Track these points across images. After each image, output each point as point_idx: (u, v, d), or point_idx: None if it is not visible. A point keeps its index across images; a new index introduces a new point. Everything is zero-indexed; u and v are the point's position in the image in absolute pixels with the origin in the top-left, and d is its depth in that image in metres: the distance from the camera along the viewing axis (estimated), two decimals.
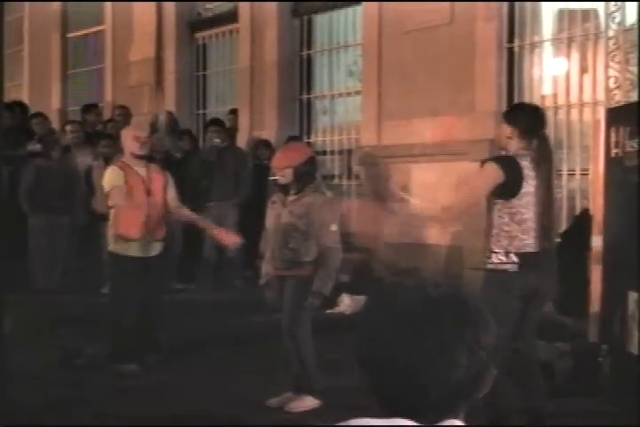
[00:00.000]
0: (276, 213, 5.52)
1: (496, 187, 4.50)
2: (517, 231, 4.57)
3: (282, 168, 5.49)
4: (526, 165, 4.57)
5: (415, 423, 1.37)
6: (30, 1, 14.81)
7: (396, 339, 1.40)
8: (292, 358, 5.47)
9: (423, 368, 1.38)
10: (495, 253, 4.58)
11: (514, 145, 4.63)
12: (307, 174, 5.49)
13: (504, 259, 4.55)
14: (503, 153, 4.73)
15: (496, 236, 4.59)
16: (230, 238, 6.67)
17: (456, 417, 1.42)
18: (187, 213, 6.87)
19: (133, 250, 6.46)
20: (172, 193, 6.64)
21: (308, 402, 5.45)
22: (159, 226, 6.55)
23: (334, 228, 5.42)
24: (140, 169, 6.58)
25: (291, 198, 5.50)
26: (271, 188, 9.46)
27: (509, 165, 4.51)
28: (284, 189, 5.53)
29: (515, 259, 4.55)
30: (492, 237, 4.59)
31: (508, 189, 4.52)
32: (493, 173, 4.51)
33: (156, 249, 6.55)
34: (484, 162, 4.65)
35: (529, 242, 4.60)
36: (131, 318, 6.47)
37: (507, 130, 4.66)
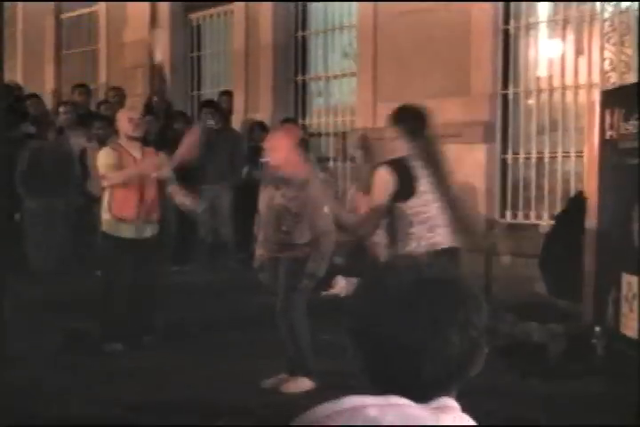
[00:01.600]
0: (269, 196, 5.53)
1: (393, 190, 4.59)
2: (423, 231, 4.59)
3: (273, 150, 5.51)
4: (417, 165, 4.64)
5: (409, 401, 1.38)
6: None
7: (388, 319, 1.41)
8: (286, 339, 5.49)
9: (416, 347, 1.39)
10: (403, 255, 4.55)
11: (400, 146, 4.72)
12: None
13: (410, 260, 4.58)
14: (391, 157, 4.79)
15: (403, 240, 4.59)
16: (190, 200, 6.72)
17: (448, 396, 1.43)
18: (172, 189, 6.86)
19: (126, 231, 6.49)
20: (165, 172, 6.63)
21: (303, 384, 5.47)
22: (153, 208, 6.56)
23: (327, 210, 5.42)
24: (135, 151, 6.59)
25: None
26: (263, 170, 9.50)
27: (399, 168, 4.60)
28: (276, 170, 5.54)
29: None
30: (400, 242, 4.59)
31: (404, 190, 4.58)
32: (386, 178, 4.59)
33: (150, 231, 6.57)
34: (375, 168, 4.72)
35: (437, 240, 4.62)
36: (120, 298, 6.51)
37: (392, 132, 4.79)
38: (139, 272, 6.51)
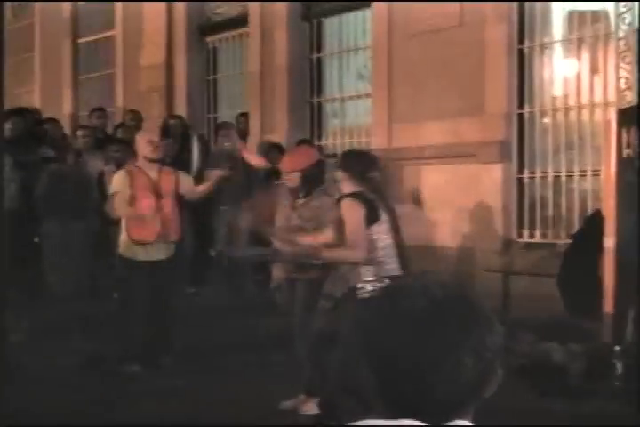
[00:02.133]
0: (285, 217, 5.54)
1: None
2: (382, 257, 4.87)
3: (289, 171, 5.52)
4: (373, 197, 4.92)
5: (422, 424, 1.38)
6: (36, 0, 14.87)
7: (400, 341, 1.40)
8: (304, 360, 5.47)
9: (428, 370, 1.38)
10: (368, 281, 4.77)
11: (347, 187, 4.96)
12: (315, 178, 5.51)
13: (379, 284, 4.67)
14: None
15: (365, 264, 4.80)
16: (255, 159, 6.88)
17: (463, 418, 1.42)
18: (202, 187, 7.02)
19: (142, 254, 6.52)
20: (185, 185, 6.83)
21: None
22: (171, 229, 6.60)
23: None
24: (153, 172, 6.64)
25: (299, 202, 5.51)
26: (279, 191, 9.51)
27: (362, 197, 4.87)
28: (293, 192, 5.55)
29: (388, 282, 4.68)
30: (361, 267, 4.81)
31: (368, 216, 4.83)
32: (356, 206, 4.84)
33: (165, 252, 6.59)
34: (339, 201, 4.96)
35: (392, 266, 4.88)
36: (137, 321, 6.52)
37: (339, 175, 5.02)
38: (156, 293, 6.53)
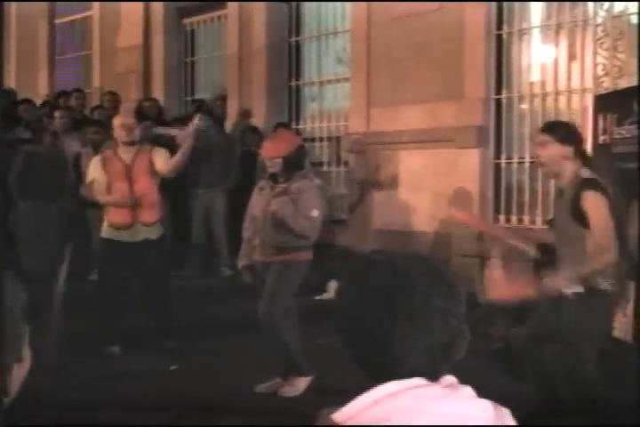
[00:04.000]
0: (265, 200, 5.54)
1: None
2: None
3: (271, 158, 5.51)
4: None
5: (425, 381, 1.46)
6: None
7: (370, 312, 1.47)
8: (277, 344, 5.49)
9: (397, 339, 1.45)
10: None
11: (571, 166, 4.44)
12: (296, 163, 5.52)
13: None
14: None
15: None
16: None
17: (435, 380, 1.49)
18: (175, 157, 6.85)
19: (122, 235, 6.54)
20: (160, 162, 6.66)
21: (299, 385, 5.49)
22: (147, 211, 6.59)
23: (315, 213, 5.43)
24: (128, 155, 6.62)
25: (280, 186, 5.52)
26: (258, 174, 9.49)
27: (604, 186, 4.39)
28: (273, 176, 5.55)
29: None
30: None
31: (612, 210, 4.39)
32: (604, 200, 4.32)
33: (147, 234, 6.59)
34: (582, 188, 4.37)
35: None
36: (115, 302, 6.57)
37: (557, 148, 4.42)
38: (145, 275, 6.57)
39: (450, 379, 1.49)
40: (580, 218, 4.29)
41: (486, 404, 1.48)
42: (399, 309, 1.46)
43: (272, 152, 5.54)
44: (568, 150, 4.37)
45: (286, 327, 5.45)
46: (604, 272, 4.31)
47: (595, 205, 4.25)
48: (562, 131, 4.46)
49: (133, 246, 6.52)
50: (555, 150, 4.37)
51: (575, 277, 4.29)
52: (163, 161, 6.69)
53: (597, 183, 4.33)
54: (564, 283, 4.27)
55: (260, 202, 5.60)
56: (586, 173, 4.39)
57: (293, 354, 5.50)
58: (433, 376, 1.48)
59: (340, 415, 1.43)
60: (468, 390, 1.49)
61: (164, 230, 6.82)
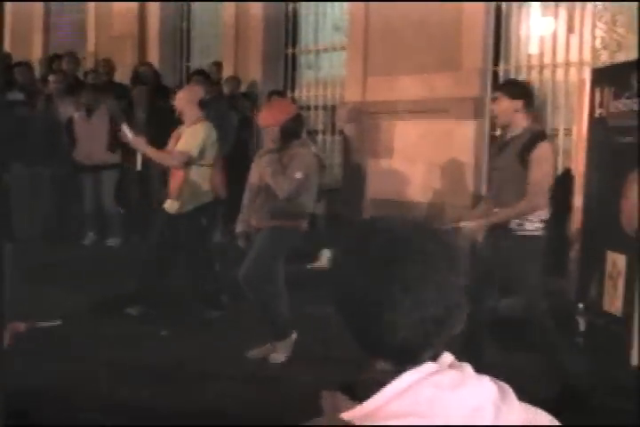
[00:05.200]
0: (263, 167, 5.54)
1: None
2: None
3: (268, 127, 5.50)
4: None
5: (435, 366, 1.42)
6: None
7: (364, 281, 1.41)
8: (257, 306, 5.52)
9: (390, 309, 1.39)
10: (539, 220, 4.81)
11: (522, 120, 4.85)
12: (293, 132, 5.51)
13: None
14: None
15: None
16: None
17: (434, 353, 1.44)
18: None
19: (166, 205, 6.60)
20: (180, 143, 6.47)
21: (284, 349, 5.52)
22: (173, 185, 6.51)
23: (299, 175, 5.43)
24: (179, 130, 6.61)
25: (276, 154, 5.51)
26: (253, 140, 9.47)
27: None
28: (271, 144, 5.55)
29: None
30: None
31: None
32: (552, 153, 4.91)
33: (176, 207, 6.51)
34: (533, 140, 4.79)
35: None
36: (146, 266, 6.63)
37: (507, 104, 4.85)
38: (174, 246, 6.60)
39: (449, 358, 1.44)
40: (526, 165, 4.71)
41: (488, 383, 1.42)
42: (394, 278, 1.39)
43: (269, 121, 5.53)
44: (517, 104, 4.79)
45: (269, 292, 5.46)
46: (531, 218, 4.74)
47: (543, 155, 4.71)
48: (511, 87, 5.02)
49: (170, 217, 6.60)
50: (505, 104, 4.83)
51: (499, 219, 4.79)
52: (179, 146, 6.51)
53: (547, 136, 4.85)
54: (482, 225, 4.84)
55: (257, 169, 5.60)
56: (537, 126, 4.91)
57: (272, 319, 5.52)
58: (425, 349, 1.43)
59: (354, 413, 1.37)
60: (469, 370, 1.44)
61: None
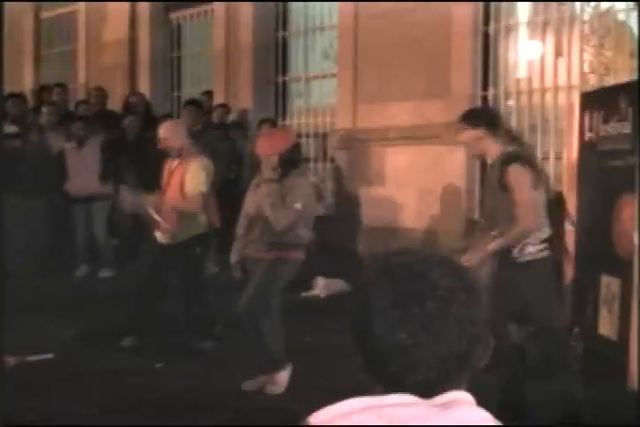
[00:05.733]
0: (261, 196, 5.51)
1: None
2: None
3: (267, 155, 5.48)
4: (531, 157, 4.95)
5: (413, 398, 1.38)
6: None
7: (381, 317, 1.40)
8: (255, 338, 5.48)
9: (410, 346, 1.38)
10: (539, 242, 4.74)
11: (495, 147, 4.81)
12: (292, 160, 5.50)
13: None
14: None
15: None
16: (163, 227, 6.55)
17: (458, 389, 1.42)
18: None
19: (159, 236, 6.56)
20: (187, 184, 6.39)
21: (281, 380, 5.48)
22: (170, 216, 6.46)
23: (298, 206, 5.41)
24: (172, 164, 6.57)
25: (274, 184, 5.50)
26: (245, 169, 9.46)
27: (526, 158, 4.76)
28: (268, 174, 5.54)
29: None
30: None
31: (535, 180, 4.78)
32: (525, 172, 4.70)
33: (170, 237, 6.47)
34: (508, 165, 4.73)
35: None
36: (135, 298, 6.64)
37: (472, 134, 4.83)
38: (164, 277, 6.61)
39: (451, 396, 1.41)
40: (507, 190, 4.66)
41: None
42: (412, 315, 1.38)
43: (268, 150, 5.50)
44: (479, 132, 4.77)
45: (268, 323, 5.43)
46: (531, 240, 4.67)
47: (516, 178, 4.62)
48: (470, 116, 4.94)
49: (162, 248, 6.59)
50: (468, 134, 4.83)
51: (495, 248, 4.68)
52: (188, 186, 6.43)
53: (520, 157, 4.70)
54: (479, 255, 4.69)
55: (254, 199, 5.58)
56: (510, 148, 4.75)
57: (269, 350, 5.48)
58: (447, 386, 1.41)
59: (315, 418, 1.38)
60: (459, 410, 1.40)
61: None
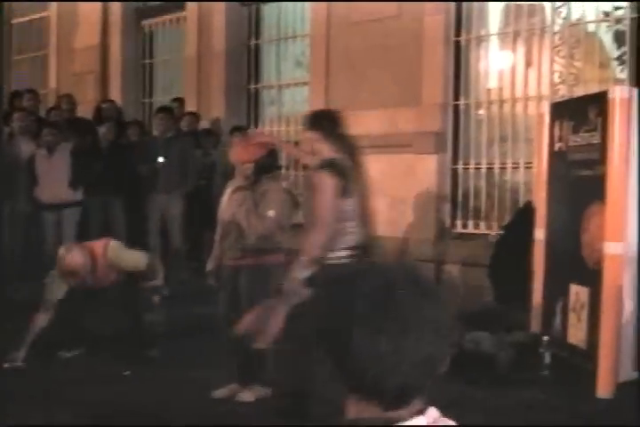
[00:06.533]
0: (238, 202, 5.50)
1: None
2: (355, 226, 4.78)
3: (243, 162, 5.47)
4: (348, 166, 4.78)
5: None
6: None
7: (359, 326, 1.40)
8: (237, 348, 5.44)
9: (389, 352, 1.39)
10: (343, 248, 4.66)
11: (325, 150, 4.83)
12: (267, 167, 5.49)
13: (344, 254, 4.66)
14: (316, 158, 4.89)
15: (341, 234, 4.68)
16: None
17: (419, 398, 1.44)
18: None
19: None
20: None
21: (258, 392, 5.45)
22: None
23: (271, 213, 5.40)
24: None
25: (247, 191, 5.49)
26: (215, 177, 9.43)
27: (340, 168, 4.68)
28: (242, 180, 5.53)
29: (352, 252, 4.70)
30: (339, 236, 4.67)
31: (344, 189, 4.66)
32: (329, 179, 4.61)
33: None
34: (317, 170, 4.74)
35: (356, 237, 4.77)
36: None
37: (313, 135, 4.90)
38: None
39: (434, 414, 1.45)
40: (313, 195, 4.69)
41: None
42: (390, 321, 1.39)
43: (244, 156, 5.49)
44: (315, 134, 4.87)
45: (247, 332, 5.39)
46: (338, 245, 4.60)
47: (318, 184, 4.64)
48: (311, 119, 5.05)
49: None
50: (305, 135, 5.01)
51: (305, 262, 4.58)
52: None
53: (333, 165, 4.68)
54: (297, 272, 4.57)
55: (229, 205, 5.56)
56: (330, 153, 4.78)
57: (245, 359, 5.43)
58: (419, 391, 1.43)
59: None
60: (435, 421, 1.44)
61: None
